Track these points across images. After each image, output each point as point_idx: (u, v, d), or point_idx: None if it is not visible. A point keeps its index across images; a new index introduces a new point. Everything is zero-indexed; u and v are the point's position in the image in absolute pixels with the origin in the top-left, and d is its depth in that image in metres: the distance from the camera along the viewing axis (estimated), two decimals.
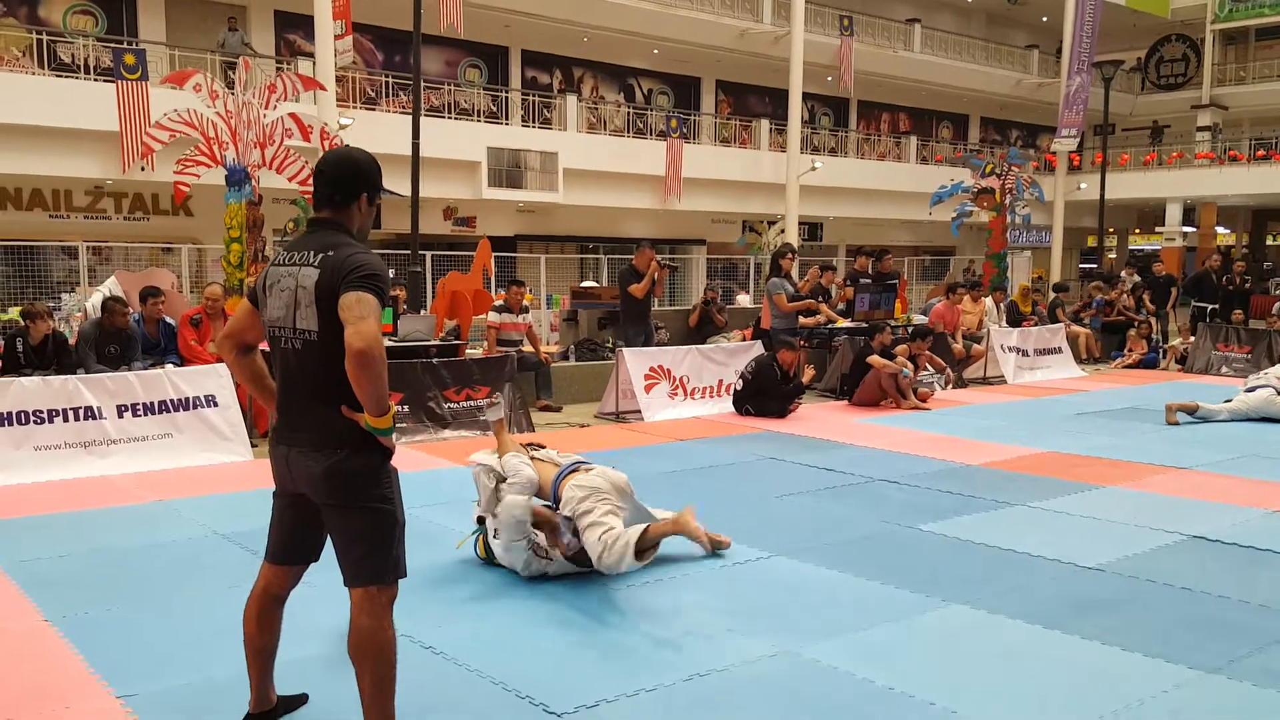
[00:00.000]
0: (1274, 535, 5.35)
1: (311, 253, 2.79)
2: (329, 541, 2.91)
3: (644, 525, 4.39)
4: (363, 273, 2.69)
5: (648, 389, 9.50)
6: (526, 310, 10.36)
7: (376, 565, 2.78)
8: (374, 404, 2.66)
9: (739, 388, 9.61)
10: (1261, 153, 27.27)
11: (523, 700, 3.30)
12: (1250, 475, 6.94)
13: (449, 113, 19.63)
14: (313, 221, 2.92)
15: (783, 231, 21.65)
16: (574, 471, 4.52)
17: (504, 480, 4.51)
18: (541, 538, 4.39)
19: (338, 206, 2.88)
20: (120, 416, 6.99)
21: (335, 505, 2.78)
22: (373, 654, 2.76)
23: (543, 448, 4.83)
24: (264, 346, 2.98)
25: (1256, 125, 31.47)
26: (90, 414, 6.89)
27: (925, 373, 10.83)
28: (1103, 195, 19.94)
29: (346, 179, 2.88)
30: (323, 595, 3.48)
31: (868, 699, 3.34)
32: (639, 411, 9.36)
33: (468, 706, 3.29)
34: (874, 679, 3.48)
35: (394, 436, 2.80)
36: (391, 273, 14.57)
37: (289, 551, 2.98)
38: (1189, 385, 11.83)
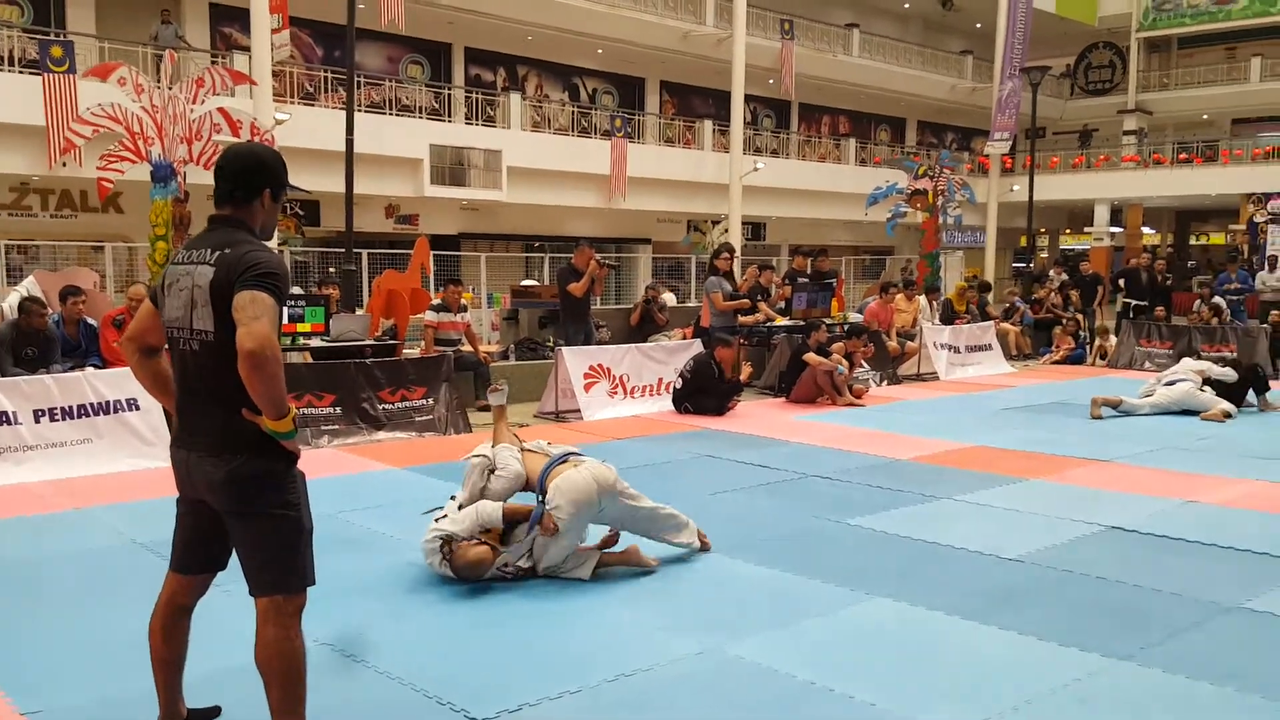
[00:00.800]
0: (1187, 525, 5.51)
1: (209, 250, 2.71)
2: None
3: (597, 555, 4.50)
4: (258, 271, 2.61)
5: (587, 388, 9.50)
6: (465, 309, 10.30)
7: (281, 573, 2.71)
8: (270, 406, 2.58)
9: (678, 386, 9.65)
10: (1184, 156, 28.18)
11: (444, 706, 3.26)
12: (1167, 467, 7.15)
13: (390, 109, 19.43)
14: (213, 219, 2.83)
15: (726, 231, 21.82)
16: (563, 463, 4.50)
17: (494, 472, 4.51)
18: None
19: (239, 203, 2.81)
20: (37, 421, 6.76)
21: (236, 512, 2.70)
22: (280, 665, 2.69)
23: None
24: None
25: (1180, 129, 32.54)
26: (4, 419, 6.64)
27: (861, 369, 10.99)
28: (1031, 196, 20.45)
29: (248, 174, 2.81)
30: (239, 603, 3.41)
31: (790, 694, 3.38)
32: (578, 411, 9.35)
33: (387, 713, 3.25)
34: (796, 674, 3.51)
35: (297, 439, 2.72)
36: (330, 270, 14.54)
37: (194, 560, 2.88)
38: (1113, 380, 12.15)
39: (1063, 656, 3.70)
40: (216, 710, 3.13)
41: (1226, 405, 9.35)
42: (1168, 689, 3.45)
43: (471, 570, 4.32)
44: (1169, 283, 16.16)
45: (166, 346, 2.87)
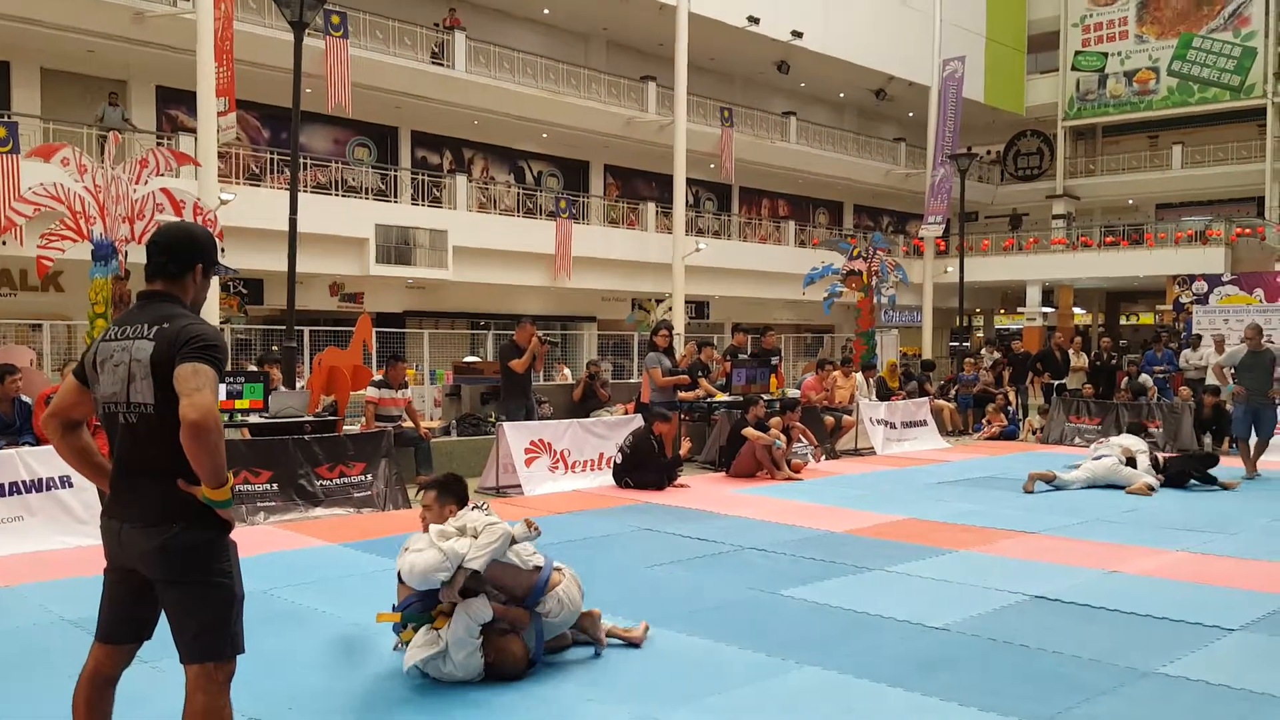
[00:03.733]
0: (1110, 594, 5.68)
1: (145, 325, 2.78)
2: (162, 619, 2.85)
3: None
4: (199, 344, 2.70)
5: (528, 462, 9.54)
6: (406, 386, 10.33)
7: (213, 642, 2.74)
8: (211, 476, 2.65)
9: (618, 461, 9.74)
10: (1110, 239, 29.27)
11: None
12: (1093, 539, 7.36)
13: (336, 190, 19.60)
14: (144, 294, 2.90)
15: (670, 310, 22.17)
16: (556, 571, 4.47)
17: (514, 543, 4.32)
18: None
19: (171, 277, 2.89)
20: None
21: (170, 581, 2.73)
22: None
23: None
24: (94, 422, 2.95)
25: (1106, 214, 33.95)
26: None
27: (799, 444, 11.18)
28: (962, 278, 21.12)
29: (181, 250, 2.89)
30: (167, 679, 3.40)
31: None
32: (519, 485, 9.37)
33: None
34: None
35: (233, 509, 2.78)
36: (273, 348, 14.48)
37: (121, 630, 2.90)
38: (1045, 455, 12.48)
39: None
40: None
41: (1149, 479, 9.66)
42: None
43: (517, 666, 4.16)
44: (1114, 361, 16.52)
45: (98, 421, 2.90)
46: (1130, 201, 33.93)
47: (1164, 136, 33.05)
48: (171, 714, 3.41)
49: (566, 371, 16.96)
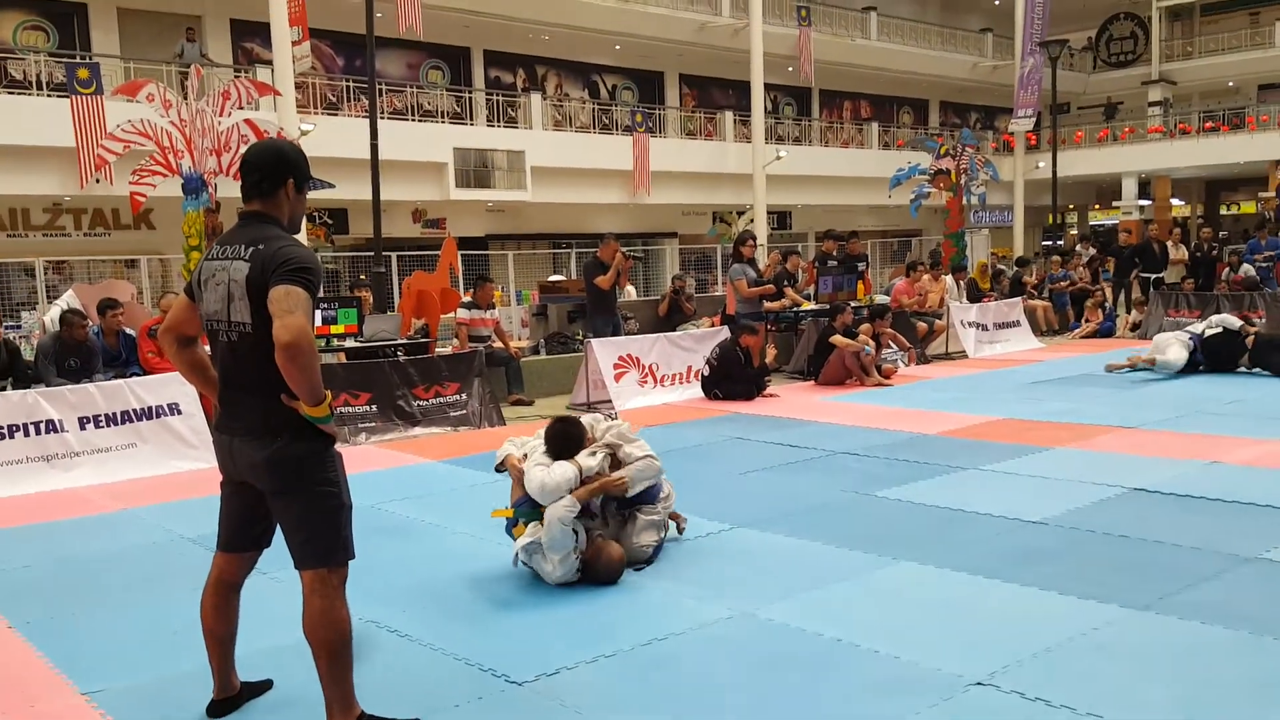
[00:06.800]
0: (1210, 484, 5.56)
1: (242, 246, 2.84)
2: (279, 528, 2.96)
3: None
4: (291, 266, 2.74)
5: (617, 378, 9.63)
6: (494, 306, 10.48)
7: (324, 547, 2.85)
8: (307, 394, 2.71)
9: (706, 373, 9.77)
10: (1210, 125, 27.65)
11: (485, 673, 3.41)
12: (1193, 431, 7.17)
13: (413, 115, 19.68)
14: (243, 215, 2.96)
15: (752, 221, 21.86)
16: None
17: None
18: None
19: (265, 195, 2.92)
20: (83, 428, 7.00)
21: (279, 491, 2.84)
22: (326, 634, 2.83)
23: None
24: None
25: (1205, 98, 31.96)
26: (51, 427, 6.88)
27: (888, 350, 11.04)
28: (1055, 173, 20.25)
29: (270, 166, 2.92)
30: (287, 588, 3.56)
31: (816, 650, 3.50)
32: (610, 401, 9.49)
33: (430, 681, 3.40)
34: (823, 632, 3.64)
35: (334, 423, 2.85)
36: (362, 276, 14.81)
37: (239, 538, 3.04)
38: (1143, 351, 12.06)
39: (1082, 608, 3.78)
40: (268, 683, 3.30)
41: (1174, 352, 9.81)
42: (1183, 635, 3.53)
43: (615, 571, 4.27)
44: (1214, 252, 15.88)
45: (205, 337, 3.02)
46: (1230, 84, 31.76)
47: (1265, 13, 30.60)
48: (293, 619, 3.64)
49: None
